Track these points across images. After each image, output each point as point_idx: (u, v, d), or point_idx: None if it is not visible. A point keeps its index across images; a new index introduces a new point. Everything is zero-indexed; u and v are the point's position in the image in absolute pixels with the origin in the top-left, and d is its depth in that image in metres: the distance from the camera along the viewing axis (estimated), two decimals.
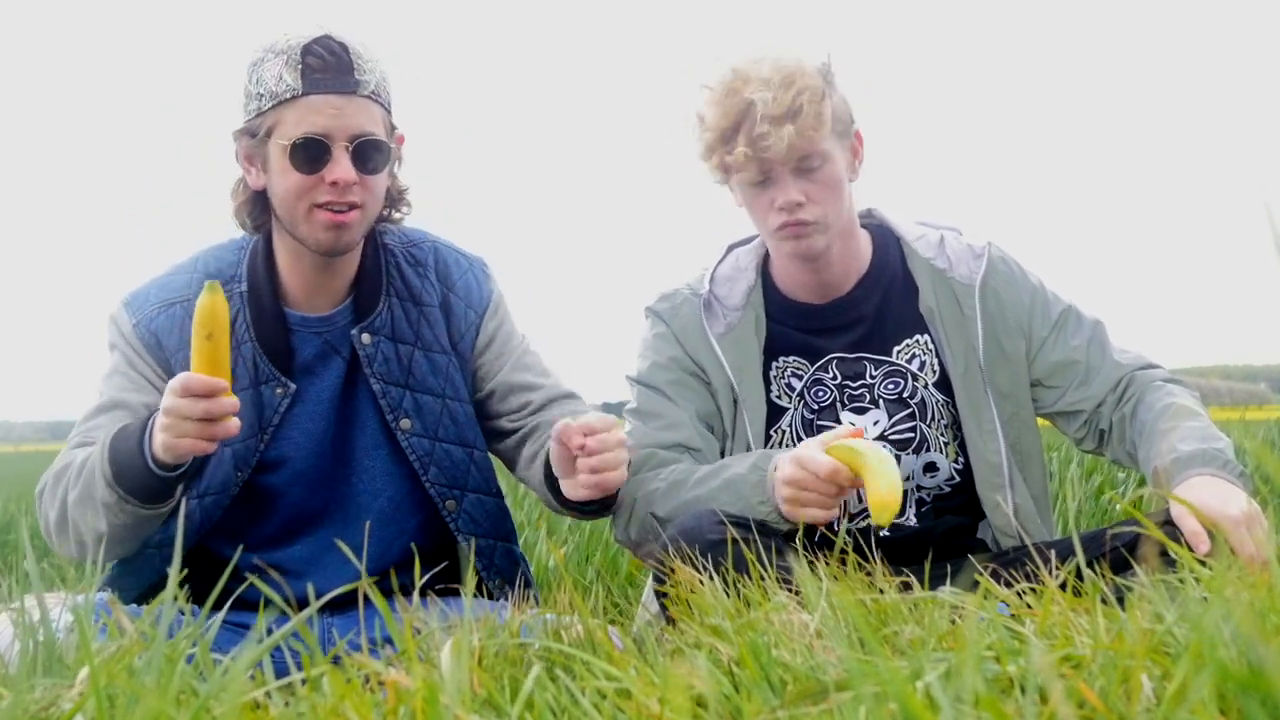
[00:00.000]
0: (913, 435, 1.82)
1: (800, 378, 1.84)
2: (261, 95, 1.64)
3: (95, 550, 1.57)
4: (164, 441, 1.47)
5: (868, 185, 1.88)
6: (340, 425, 1.79)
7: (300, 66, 1.61)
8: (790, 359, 1.85)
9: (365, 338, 1.76)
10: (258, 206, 1.74)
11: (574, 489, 1.61)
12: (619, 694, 0.87)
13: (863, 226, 1.89)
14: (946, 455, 1.83)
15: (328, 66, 1.63)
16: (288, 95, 1.62)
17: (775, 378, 1.85)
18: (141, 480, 1.53)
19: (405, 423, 1.77)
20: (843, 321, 1.82)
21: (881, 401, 1.83)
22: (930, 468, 1.83)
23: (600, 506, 1.73)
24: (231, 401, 1.46)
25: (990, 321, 1.81)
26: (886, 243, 1.89)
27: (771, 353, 1.85)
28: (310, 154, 1.63)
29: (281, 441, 1.76)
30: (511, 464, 1.90)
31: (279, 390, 1.74)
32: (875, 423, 1.83)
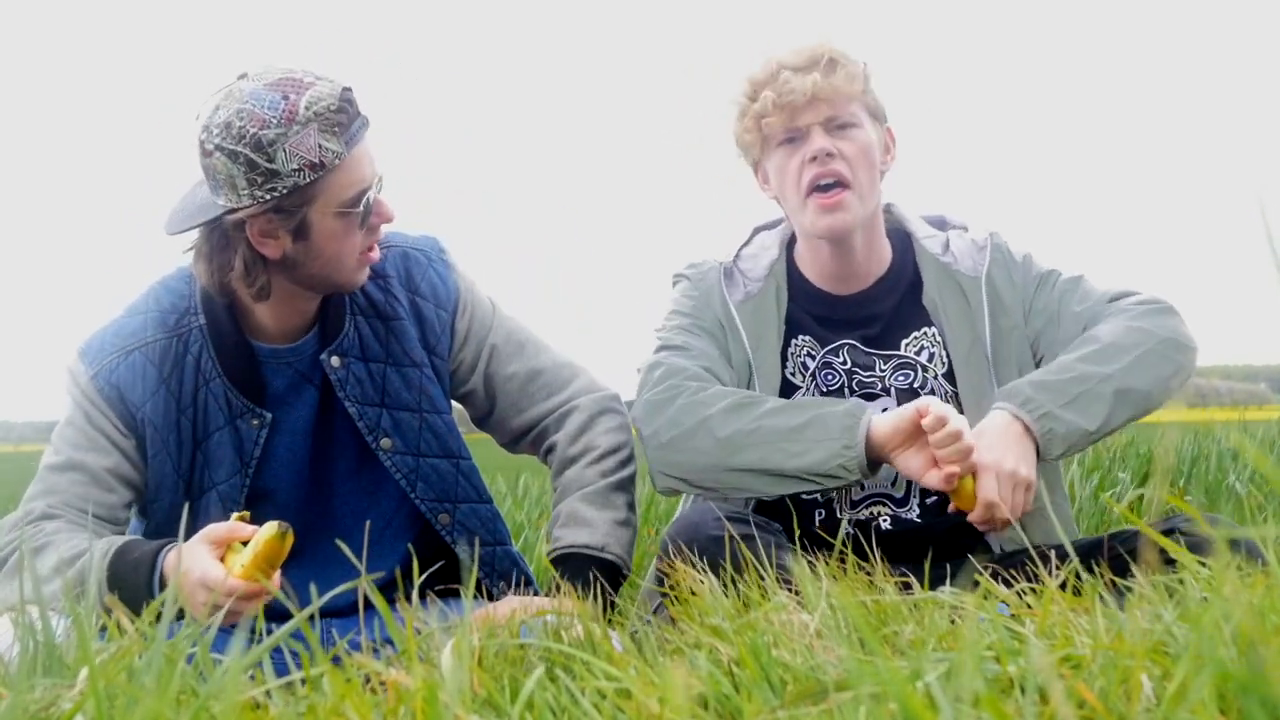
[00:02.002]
0: None
1: (813, 358, 1.86)
2: (299, 170, 1.52)
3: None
4: (195, 607, 1.40)
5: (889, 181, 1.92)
6: (318, 452, 1.77)
7: (337, 129, 1.54)
8: (806, 339, 1.87)
9: (335, 361, 1.73)
10: (265, 273, 1.63)
11: None
12: (619, 694, 0.87)
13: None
14: None
15: (352, 118, 1.57)
16: (336, 163, 1.55)
17: (792, 355, 1.87)
18: (142, 597, 1.46)
19: (386, 442, 1.75)
20: (857, 317, 1.84)
21: (892, 390, 1.83)
22: None
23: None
24: (265, 598, 1.42)
25: (994, 310, 1.83)
26: (903, 243, 1.92)
27: (790, 329, 1.87)
28: (368, 209, 1.61)
29: (263, 475, 1.74)
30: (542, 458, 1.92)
31: (255, 422, 1.71)
32: (884, 410, 1.83)
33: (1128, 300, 1.78)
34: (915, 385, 1.83)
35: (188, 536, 1.68)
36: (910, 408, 1.57)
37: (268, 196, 1.53)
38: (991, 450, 1.57)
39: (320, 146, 1.52)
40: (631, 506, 1.82)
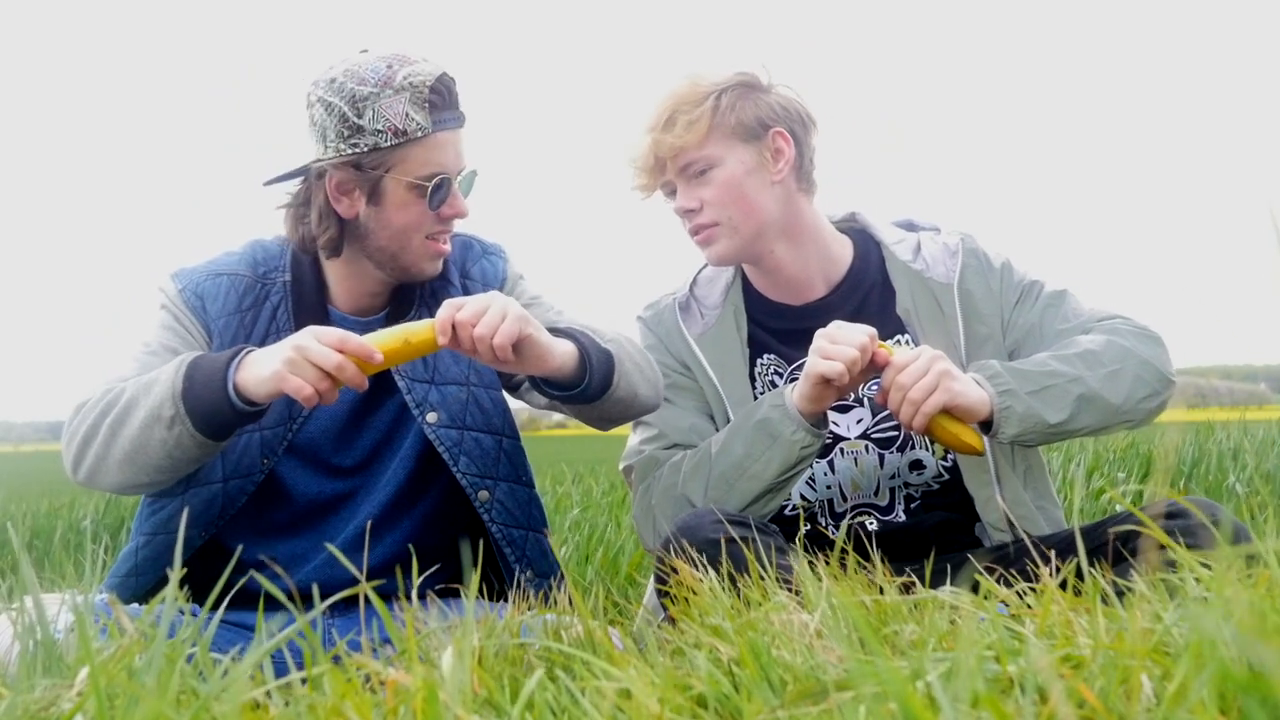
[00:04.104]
0: (896, 433, 1.82)
1: (781, 375, 1.87)
2: (381, 131, 1.63)
3: (110, 468, 1.57)
4: (275, 371, 1.46)
5: (869, 187, 1.92)
6: (358, 421, 1.81)
7: (428, 105, 1.64)
8: (771, 357, 1.88)
9: None
10: (341, 235, 1.73)
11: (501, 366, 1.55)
12: (619, 694, 0.87)
13: (845, 232, 1.92)
14: (933, 453, 1.83)
15: (446, 104, 1.66)
16: (419, 134, 1.64)
17: (760, 375, 1.87)
18: (212, 404, 1.51)
19: (431, 416, 1.78)
20: (818, 324, 1.79)
21: (865, 400, 1.84)
22: (916, 465, 1.83)
23: (580, 381, 1.63)
24: (360, 376, 1.47)
25: (969, 317, 1.83)
26: (868, 248, 1.91)
27: (755, 350, 1.88)
28: (443, 191, 1.68)
29: (306, 429, 1.78)
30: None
31: None
32: (859, 421, 1.84)
33: (1117, 321, 1.78)
34: None
35: (218, 476, 1.71)
36: (808, 366, 1.64)
37: (350, 151, 1.64)
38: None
39: (407, 115, 1.63)
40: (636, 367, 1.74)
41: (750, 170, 1.79)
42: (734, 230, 1.80)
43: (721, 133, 1.77)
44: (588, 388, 1.63)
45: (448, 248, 1.75)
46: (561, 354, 1.59)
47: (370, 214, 1.70)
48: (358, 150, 1.64)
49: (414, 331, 1.51)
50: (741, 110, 1.78)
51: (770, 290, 1.90)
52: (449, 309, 1.50)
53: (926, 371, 1.58)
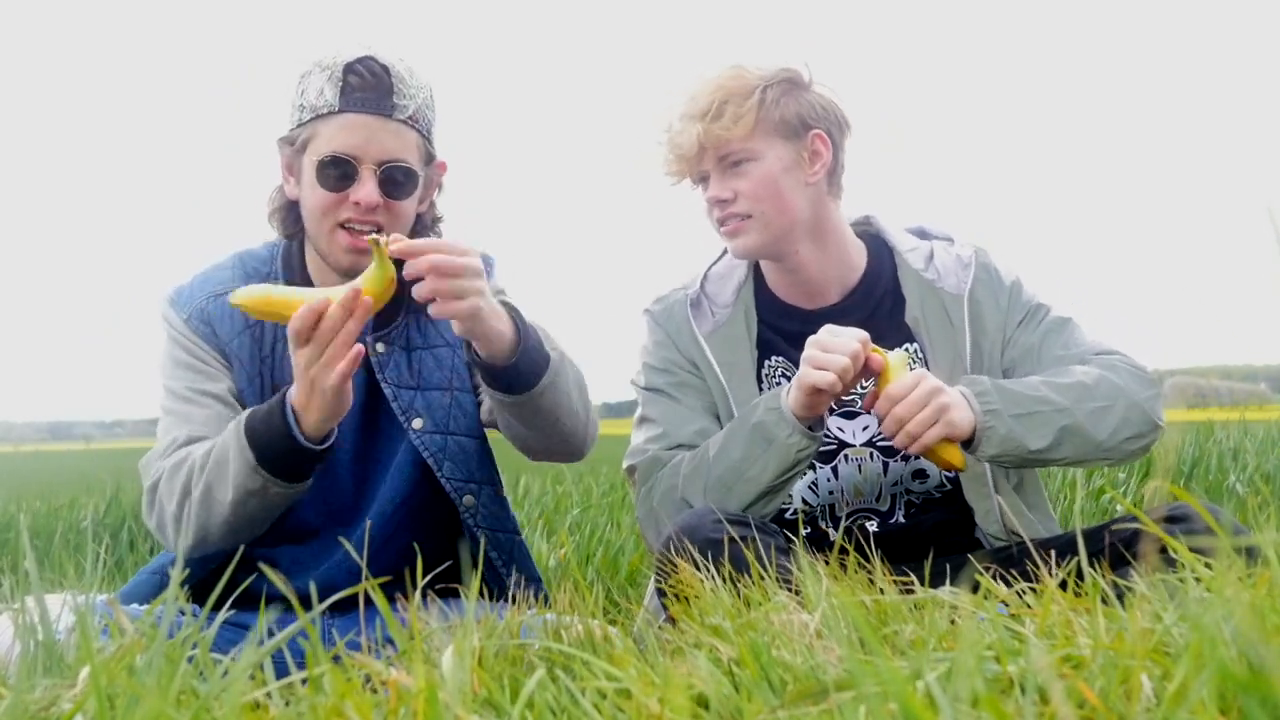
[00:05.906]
0: None
1: (788, 378, 1.85)
2: (303, 108, 1.66)
3: (214, 538, 1.61)
4: (307, 403, 1.51)
5: (874, 190, 1.90)
6: (362, 428, 1.80)
7: (341, 84, 1.63)
8: (779, 359, 1.87)
9: (380, 346, 1.78)
10: (290, 215, 1.77)
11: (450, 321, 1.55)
12: (619, 694, 0.87)
13: (859, 236, 1.91)
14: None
15: (367, 86, 1.64)
16: (325, 110, 1.64)
17: (767, 376, 1.87)
18: (289, 459, 1.55)
19: (417, 422, 1.77)
20: None
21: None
22: (919, 474, 1.83)
23: (515, 375, 1.61)
24: (323, 303, 1.47)
25: (975, 330, 1.82)
26: (881, 254, 1.91)
27: (763, 350, 1.87)
28: (337, 172, 1.65)
29: None
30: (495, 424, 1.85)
31: None
32: (865, 428, 1.83)
33: (1115, 357, 1.77)
34: None
35: None
36: (800, 376, 1.63)
37: (289, 125, 1.70)
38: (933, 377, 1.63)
39: (320, 92, 1.65)
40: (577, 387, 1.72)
41: (787, 168, 1.78)
42: (765, 225, 1.79)
43: (765, 127, 1.77)
44: (512, 372, 1.60)
45: (366, 243, 1.65)
46: (500, 330, 1.57)
47: (298, 194, 1.72)
48: (291, 126, 1.69)
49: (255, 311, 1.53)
50: (785, 107, 1.78)
51: (784, 291, 1.89)
52: (425, 259, 1.49)
53: (925, 405, 1.58)
